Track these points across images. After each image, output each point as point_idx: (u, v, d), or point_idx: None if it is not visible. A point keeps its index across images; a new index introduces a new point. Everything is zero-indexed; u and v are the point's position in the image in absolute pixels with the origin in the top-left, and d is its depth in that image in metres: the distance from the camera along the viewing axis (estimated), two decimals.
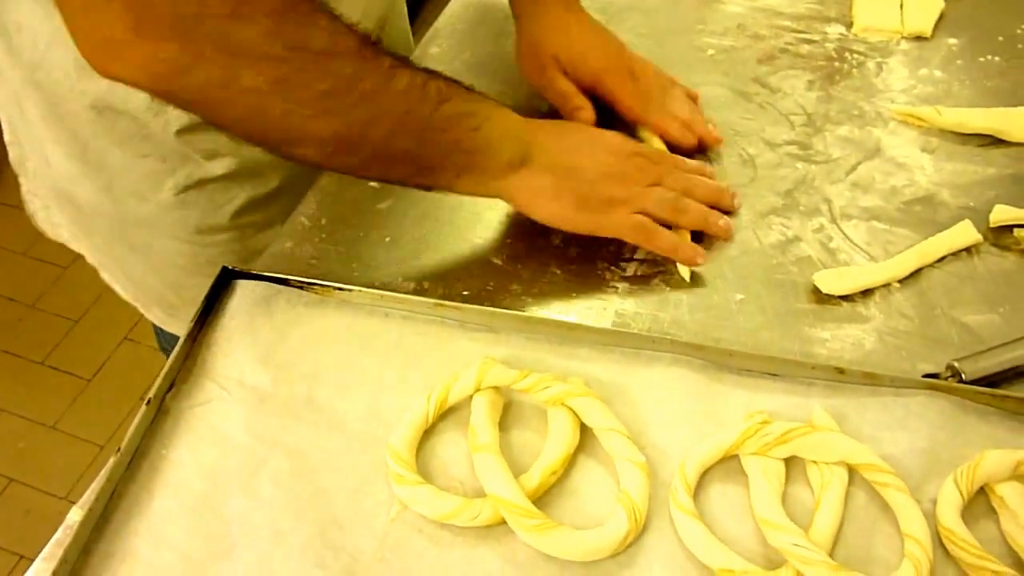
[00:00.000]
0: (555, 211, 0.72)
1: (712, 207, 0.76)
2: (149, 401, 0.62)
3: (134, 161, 0.81)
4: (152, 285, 0.93)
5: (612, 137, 0.77)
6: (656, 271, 0.73)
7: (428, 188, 0.71)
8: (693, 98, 0.87)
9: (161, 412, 0.63)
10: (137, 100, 0.76)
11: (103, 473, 0.59)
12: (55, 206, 0.90)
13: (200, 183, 0.83)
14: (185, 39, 0.56)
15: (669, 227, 0.74)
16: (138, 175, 0.82)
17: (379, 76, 0.64)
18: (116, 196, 0.85)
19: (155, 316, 0.97)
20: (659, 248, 0.73)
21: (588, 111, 0.83)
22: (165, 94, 0.61)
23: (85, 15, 0.57)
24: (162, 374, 0.64)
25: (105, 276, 0.97)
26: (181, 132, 0.78)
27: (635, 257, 0.74)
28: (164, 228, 0.86)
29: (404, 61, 0.66)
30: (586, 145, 0.75)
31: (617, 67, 0.84)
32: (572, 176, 0.72)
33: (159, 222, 0.85)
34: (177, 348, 0.65)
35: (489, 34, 0.95)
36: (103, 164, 0.82)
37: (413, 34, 1.06)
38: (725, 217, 0.76)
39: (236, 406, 0.64)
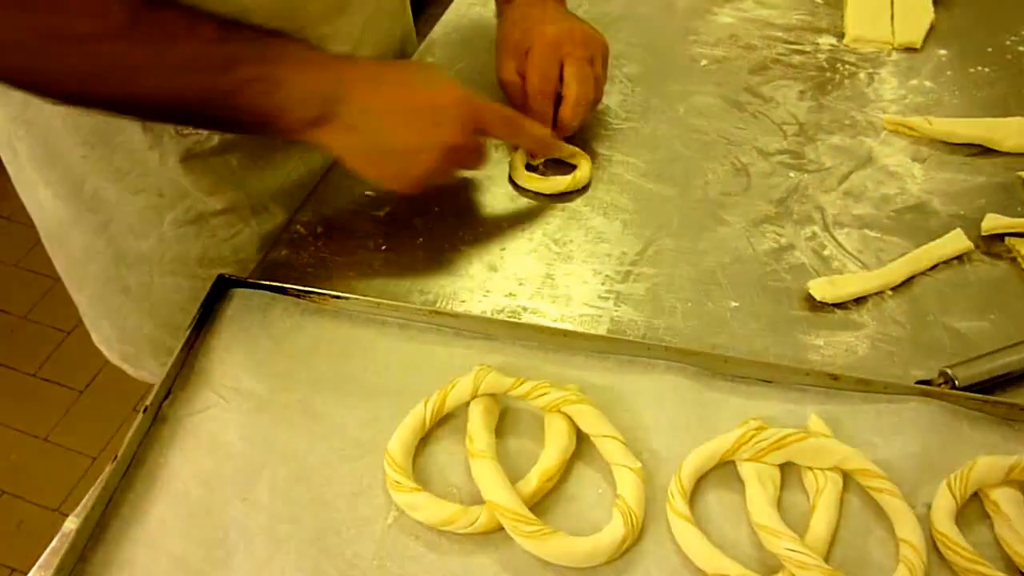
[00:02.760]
0: (360, 168, 0.71)
1: None
2: (146, 409, 0.62)
3: (131, 197, 0.79)
4: (148, 333, 0.90)
5: (426, 84, 0.72)
6: (653, 280, 0.74)
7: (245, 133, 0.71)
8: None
9: (158, 420, 0.63)
10: (132, 133, 0.75)
11: (99, 481, 0.59)
12: (49, 253, 0.88)
13: (200, 217, 0.81)
14: None
15: None
16: (135, 211, 0.81)
17: (147, 51, 0.61)
18: (112, 235, 0.83)
19: (149, 370, 0.95)
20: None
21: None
22: None
23: None
24: (159, 382, 0.64)
25: (96, 338, 0.95)
26: (179, 165, 0.77)
27: (632, 267, 0.75)
28: (164, 264, 0.84)
29: (193, 23, 0.63)
30: (394, 99, 0.70)
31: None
32: (373, 134, 0.69)
33: (159, 258, 0.84)
34: (174, 356, 0.65)
35: (484, 44, 0.96)
36: (98, 202, 0.81)
37: None
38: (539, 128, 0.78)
39: (233, 414, 0.64)
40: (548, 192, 0.81)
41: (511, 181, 0.82)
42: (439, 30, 0.98)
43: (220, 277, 0.70)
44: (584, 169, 0.82)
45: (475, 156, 0.74)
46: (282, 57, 0.66)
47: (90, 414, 1.90)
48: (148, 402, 0.62)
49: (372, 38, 0.86)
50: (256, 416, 0.64)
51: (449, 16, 1.00)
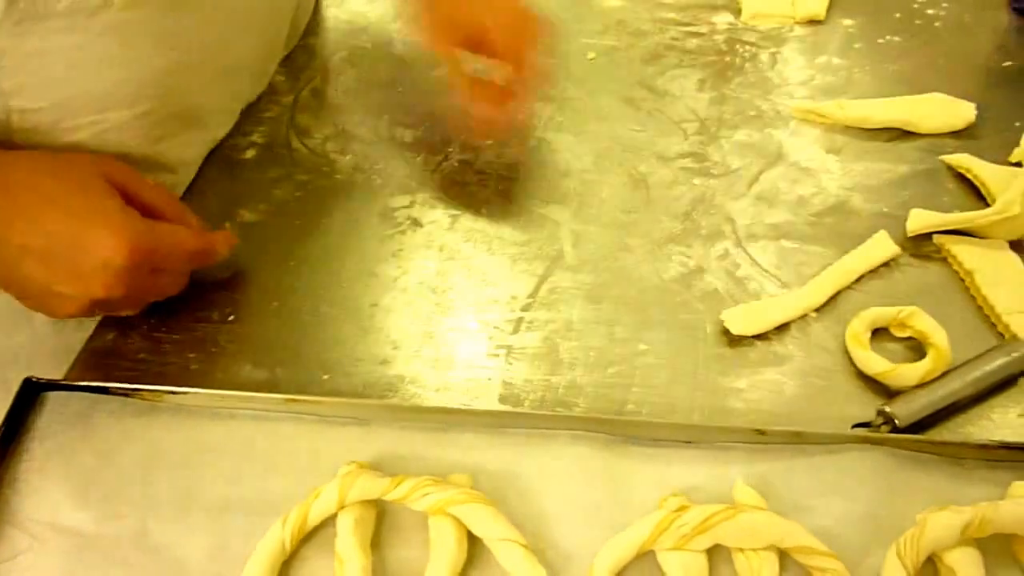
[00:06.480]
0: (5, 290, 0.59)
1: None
2: None
3: None
4: None
5: (80, 218, 0.55)
6: (549, 327, 0.64)
7: None
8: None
9: None
10: None
11: None
12: None
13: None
14: None
15: None
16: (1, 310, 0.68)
17: None
18: None
19: None
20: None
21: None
22: None
23: None
24: None
25: None
26: None
27: (524, 313, 0.65)
28: (44, 359, 0.69)
29: None
30: (31, 235, 0.55)
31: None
32: (3, 267, 0.56)
33: (36, 354, 0.70)
34: None
35: (331, 60, 0.84)
36: None
37: None
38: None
39: (50, 557, 0.52)
40: (894, 386, 0.60)
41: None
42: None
43: (27, 381, 0.58)
44: (941, 348, 0.60)
45: (149, 297, 0.61)
46: None
47: None
48: None
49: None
50: (79, 557, 0.52)
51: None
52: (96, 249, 0.54)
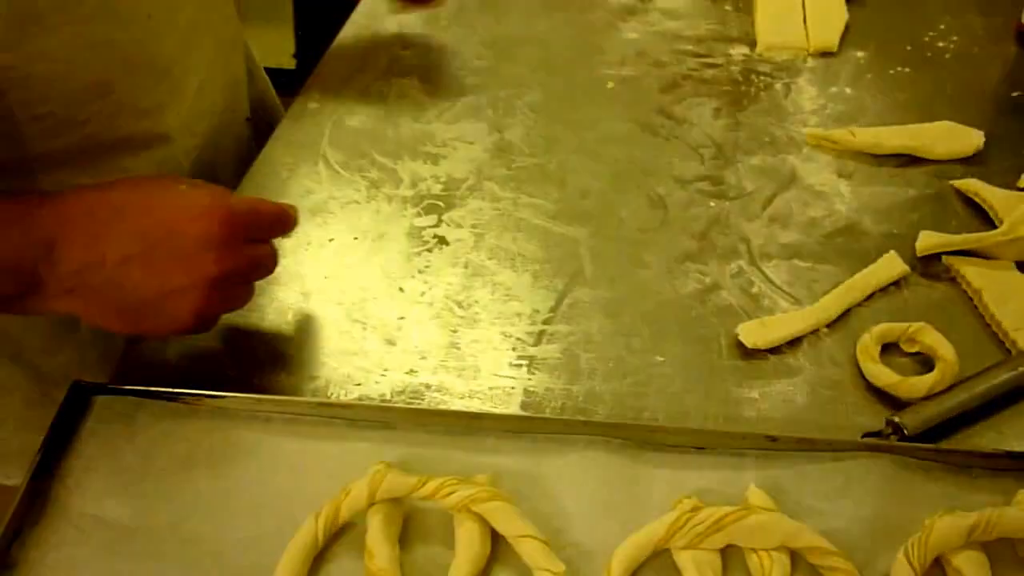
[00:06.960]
0: (113, 327, 0.59)
1: None
2: None
3: (36, 320, 0.70)
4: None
5: (162, 206, 0.56)
6: (568, 339, 0.67)
7: None
8: None
9: (6, 568, 0.54)
10: None
11: None
12: None
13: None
14: None
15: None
16: (46, 330, 0.72)
17: None
18: (27, 359, 0.74)
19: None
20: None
21: None
22: None
23: None
24: (5, 519, 0.55)
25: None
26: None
27: (546, 326, 0.68)
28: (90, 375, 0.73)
29: None
30: (123, 240, 0.55)
31: None
32: (107, 291, 0.56)
33: (79, 363, 0.73)
34: (24, 485, 0.57)
35: (363, 86, 0.88)
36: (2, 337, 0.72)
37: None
38: None
39: (93, 548, 0.55)
40: (904, 397, 0.62)
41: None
42: (314, 79, 0.90)
43: (76, 384, 0.61)
44: (949, 361, 0.63)
45: (256, 273, 0.61)
46: None
47: None
48: None
49: (220, 73, 0.80)
50: (119, 549, 0.55)
51: (347, 32, 0.93)
52: (191, 228, 0.54)
